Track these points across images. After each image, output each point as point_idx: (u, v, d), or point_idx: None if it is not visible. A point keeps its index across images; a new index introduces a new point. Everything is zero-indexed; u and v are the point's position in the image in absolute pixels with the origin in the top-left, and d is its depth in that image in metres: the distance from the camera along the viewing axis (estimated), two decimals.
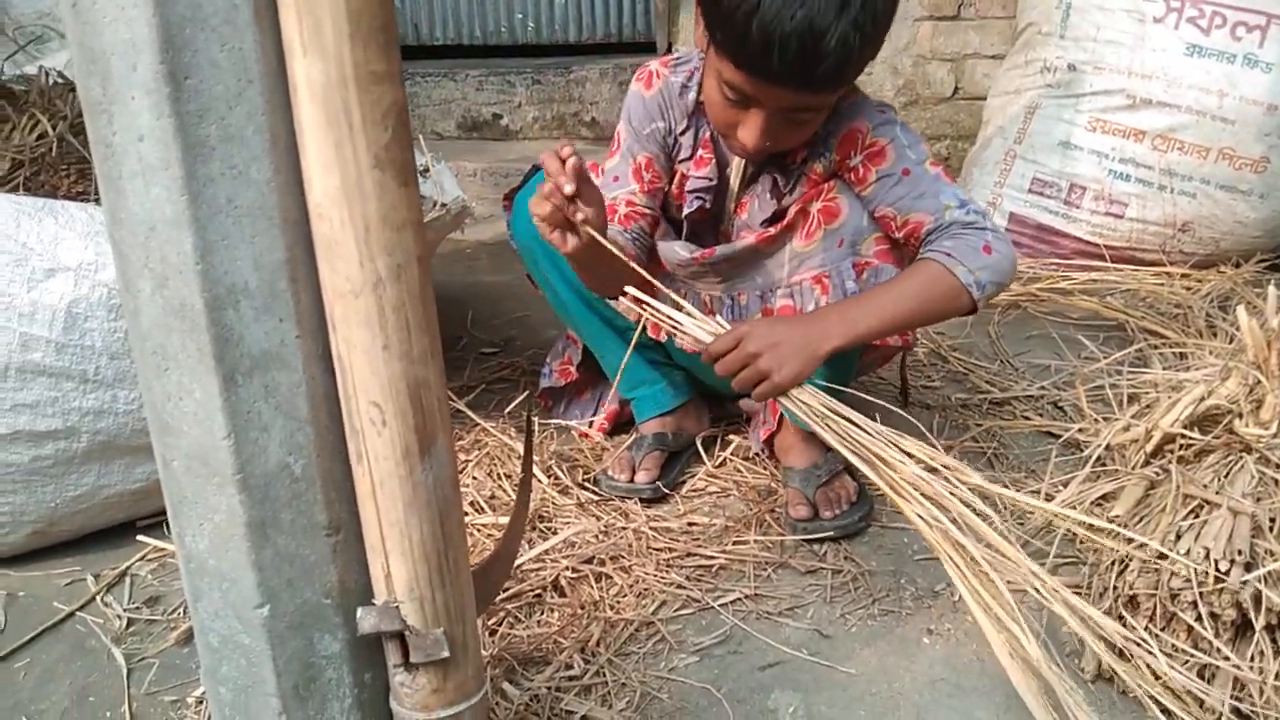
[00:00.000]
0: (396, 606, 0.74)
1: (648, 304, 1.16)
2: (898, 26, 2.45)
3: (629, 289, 1.18)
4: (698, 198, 1.42)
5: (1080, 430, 1.54)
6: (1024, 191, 2.55)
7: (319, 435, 0.73)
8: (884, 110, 1.36)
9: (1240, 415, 1.19)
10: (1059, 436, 1.61)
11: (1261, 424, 1.16)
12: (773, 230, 1.36)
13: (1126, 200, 2.42)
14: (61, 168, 1.50)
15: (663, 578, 1.31)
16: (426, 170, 1.72)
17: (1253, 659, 1.00)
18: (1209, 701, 0.99)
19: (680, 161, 1.45)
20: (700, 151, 1.42)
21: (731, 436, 1.67)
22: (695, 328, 1.17)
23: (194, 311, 0.67)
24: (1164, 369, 1.62)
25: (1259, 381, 1.21)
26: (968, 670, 1.14)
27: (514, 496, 1.44)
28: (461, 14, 3.84)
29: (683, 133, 1.43)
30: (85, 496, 1.33)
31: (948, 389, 1.85)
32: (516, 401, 1.75)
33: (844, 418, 1.09)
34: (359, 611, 0.75)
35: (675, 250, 1.44)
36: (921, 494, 1.01)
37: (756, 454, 1.59)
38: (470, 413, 1.68)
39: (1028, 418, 1.72)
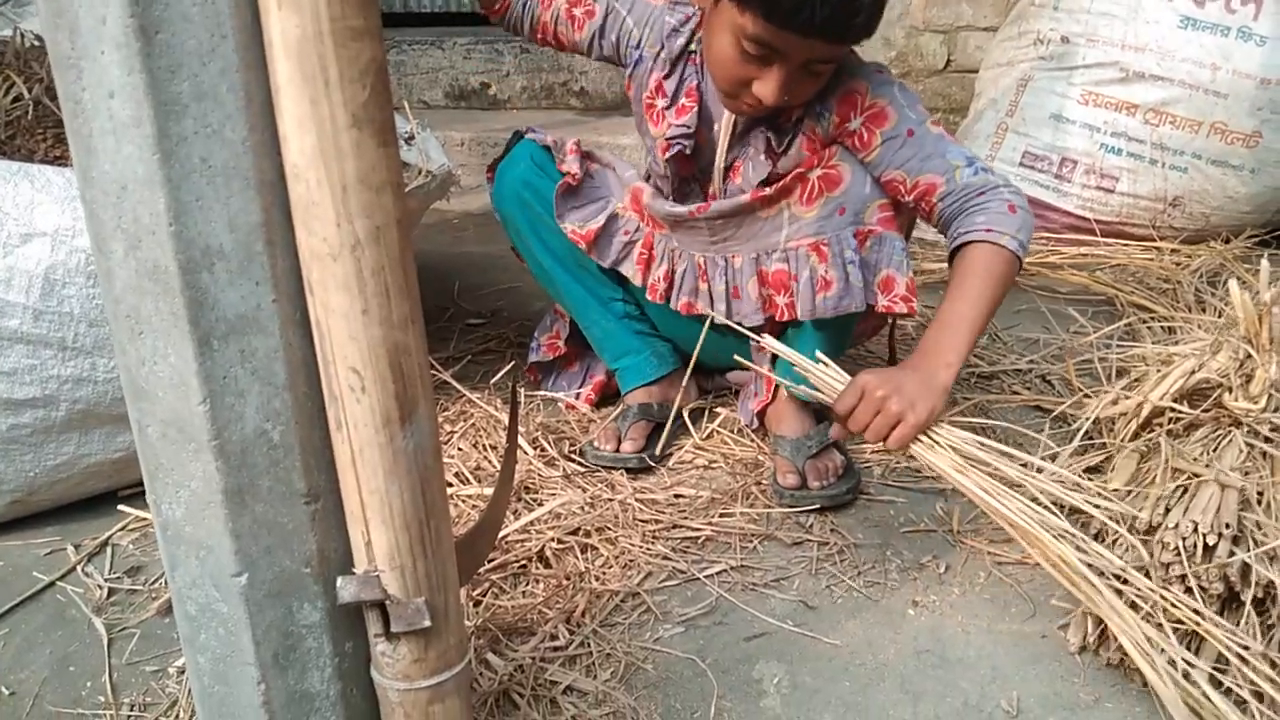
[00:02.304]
0: (377, 575, 0.73)
1: (783, 351, 1.18)
2: None
3: (758, 338, 1.23)
4: (677, 143, 1.41)
5: (1069, 404, 1.54)
6: (1015, 165, 2.54)
7: (297, 401, 0.71)
8: (881, 70, 1.34)
9: (1230, 389, 1.18)
10: (1048, 410, 1.61)
11: (1251, 398, 1.16)
12: (768, 190, 1.34)
13: (1117, 174, 2.41)
14: (38, 131, 1.47)
15: (648, 549, 1.30)
16: (411, 137, 1.70)
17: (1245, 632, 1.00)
18: (1195, 674, 0.99)
19: (664, 109, 1.43)
20: (683, 100, 1.41)
21: (719, 409, 1.66)
22: (824, 378, 1.18)
23: (168, 274, 0.65)
24: (1153, 343, 1.62)
25: (1249, 355, 1.20)
26: (953, 642, 1.14)
27: (499, 468, 1.43)
28: None
29: (666, 77, 1.42)
30: (65, 465, 1.32)
31: None
32: (503, 373, 1.73)
33: (996, 450, 1.08)
34: (339, 580, 0.74)
35: (668, 206, 1.43)
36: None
37: (744, 427, 1.58)
38: (456, 384, 1.66)
39: (1016, 391, 1.71)
